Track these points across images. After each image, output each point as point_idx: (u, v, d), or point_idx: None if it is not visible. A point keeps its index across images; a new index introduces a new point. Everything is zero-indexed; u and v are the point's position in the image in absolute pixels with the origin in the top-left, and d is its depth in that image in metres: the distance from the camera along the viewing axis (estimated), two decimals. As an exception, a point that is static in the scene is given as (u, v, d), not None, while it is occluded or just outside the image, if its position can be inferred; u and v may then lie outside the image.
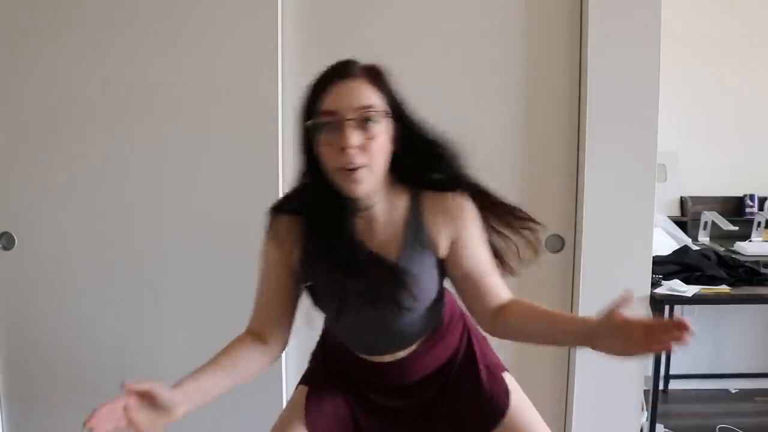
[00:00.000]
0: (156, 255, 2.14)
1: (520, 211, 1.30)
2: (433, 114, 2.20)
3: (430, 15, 2.06)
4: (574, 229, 2.10)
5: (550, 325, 1.18)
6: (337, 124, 1.11)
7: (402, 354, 1.31)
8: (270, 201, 2.06)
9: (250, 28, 2.03)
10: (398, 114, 1.18)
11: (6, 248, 2.15)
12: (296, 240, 1.22)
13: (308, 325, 1.34)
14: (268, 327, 1.28)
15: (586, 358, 2.10)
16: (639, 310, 2.08)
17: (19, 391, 2.23)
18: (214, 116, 2.07)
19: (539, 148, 2.09)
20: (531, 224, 1.28)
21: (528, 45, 2.05)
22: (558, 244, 2.11)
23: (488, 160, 2.13)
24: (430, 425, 1.35)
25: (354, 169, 1.10)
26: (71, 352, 2.19)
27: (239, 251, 2.12)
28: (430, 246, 1.21)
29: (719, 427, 2.93)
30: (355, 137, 1.10)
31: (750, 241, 3.08)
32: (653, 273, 2.15)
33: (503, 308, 1.23)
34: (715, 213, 3.17)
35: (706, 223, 3.18)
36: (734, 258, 2.67)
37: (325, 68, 1.18)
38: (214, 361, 1.24)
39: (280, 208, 1.27)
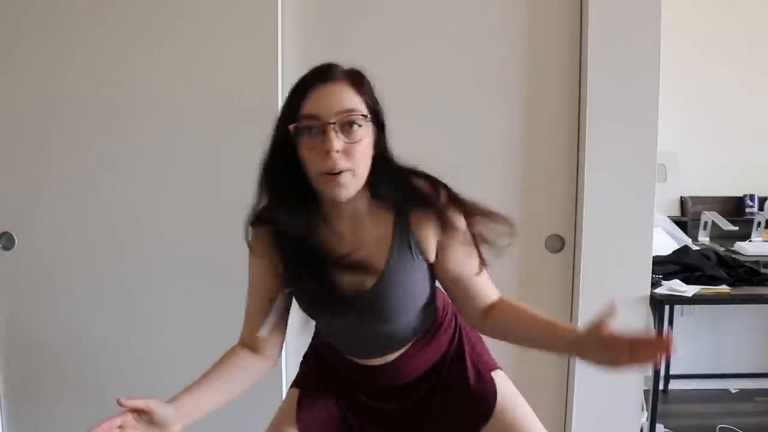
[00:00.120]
0: (155, 255, 2.14)
1: (488, 210, 1.26)
2: (434, 114, 2.21)
3: (430, 15, 2.06)
4: (574, 229, 2.10)
5: (538, 330, 1.18)
6: (320, 128, 1.10)
7: (393, 357, 1.31)
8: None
9: (250, 28, 2.03)
10: (379, 119, 1.18)
11: (6, 248, 2.15)
12: (275, 249, 1.23)
13: (308, 324, 1.34)
14: (259, 337, 1.28)
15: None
16: (638, 311, 2.08)
17: (19, 391, 2.23)
18: (214, 116, 2.07)
19: (539, 148, 2.09)
20: (500, 219, 1.25)
21: (528, 45, 2.05)
22: (558, 244, 2.11)
23: (489, 160, 2.14)
24: (419, 426, 1.35)
25: (337, 173, 1.10)
26: (71, 352, 2.19)
27: (239, 252, 2.12)
28: (419, 251, 1.21)
29: (719, 427, 2.93)
30: (338, 141, 1.09)
31: (750, 241, 3.08)
32: (653, 273, 2.15)
33: (492, 308, 1.24)
34: (715, 213, 3.17)
35: (706, 223, 3.18)
36: (734, 258, 2.67)
37: (305, 72, 1.18)
38: (209, 374, 1.23)
39: (256, 221, 1.27)
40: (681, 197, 3.40)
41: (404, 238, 1.20)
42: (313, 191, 1.17)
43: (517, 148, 2.09)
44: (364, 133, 1.13)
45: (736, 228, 3.09)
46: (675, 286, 2.30)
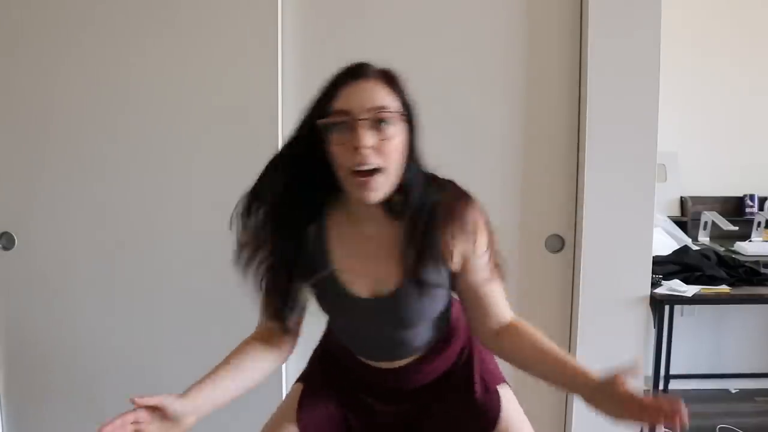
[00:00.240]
0: (155, 255, 2.14)
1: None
2: (434, 114, 2.20)
3: (430, 15, 2.06)
4: (574, 229, 2.10)
5: (549, 364, 1.17)
6: (350, 124, 1.08)
7: (404, 362, 1.30)
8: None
9: (250, 28, 2.03)
10: (411, 119, 1.15)
11: (6, 248, 2.15)
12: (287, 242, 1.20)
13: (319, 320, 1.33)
14: (274, 329, 1.27)
15: (586, 359, 2.09)
16: (638, 311, 2.08)
17: (19, 391, 2.23)
18: (214, 116, 2.07)
19: (539, 148, 2.09)
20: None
21: (528, 45, 2.05)
22: (558, 244, 2.11)
23: (489, 160, 2.14)
24: (421, 431, 1.34)
25: (369, 174, 1.08)
26: (71, 352, 2.19)
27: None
28: (444, 259, 1.18)
29: (719, 427, 2.93)
30: (369, 137, 1.07)
31: (750, 241, 3.08)
32: (653, 273, 2.15)
33: (506, 328, 1.23)
34: (715, 213, 3.17)
35: (706, 223, 3.18)
36: (734, 258, 2.67)
37: (337, 70, 1.16)
38: (223, 365, 1.21)
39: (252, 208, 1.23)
40: (681, 197, 3.40)
41: (424, 245, 1.17)
42: (333, 189, 1.15)
43: (517, 148, 2.09)
44: (396, 132, 1.11)
45: (736, 228, 3.09)
46: (675, 286, 2.30)
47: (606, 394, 1.06)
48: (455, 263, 1.19)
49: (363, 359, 1.32)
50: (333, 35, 2.07)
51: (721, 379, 3.41)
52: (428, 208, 1.16)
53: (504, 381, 1.37)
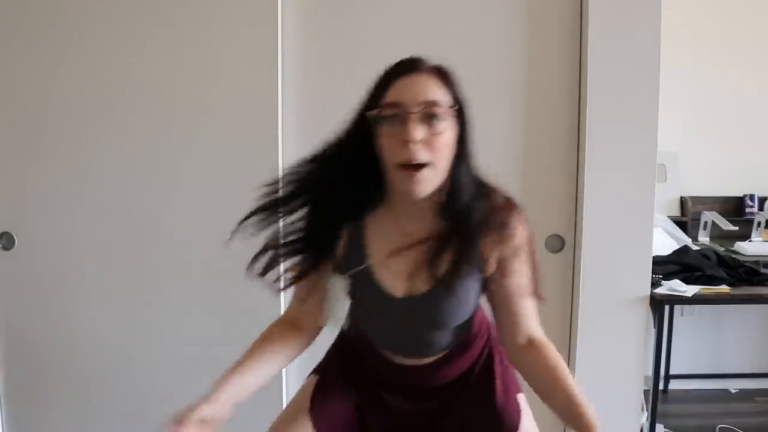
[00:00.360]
0: (156, 255, 2.14)
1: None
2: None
3: (430, 15, 2.06)
4: (574, 229, 2.10)
5: (555, 400, 1.20)
6: (401, 117, 1.07)
7: (428, 360, 1.29)
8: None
9: (250, 28, 2.03)
10: (463, 116, 1.14)
11: (6, 248, 2.15)
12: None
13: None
14: (303, 314, 1.27)
15: (586, 358, 2.10)
16: (638, 311, 2.08)
17: (19, 391, 2.23)
18: (214, 116, 2.07)
19: (539, 148, 2.09)
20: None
21: (528, 45, 2.05)
22: (558, 244, 2.11)
23: (488, 160, 2.13)
24: (437, 429, 1.33)
25: (417, 168, 1.06)
26: (71, 352, 2.19)
27: (240, 251, 2.12)
28: (481, 264, 1.17)
29: (719, 427, 2.93)
30: (419, 131, 1.06)
31: (750, 241, 3.08)
32: (653, 273, 2.15)
33: (531, 344, 1.23)
34: (715, 213, 3.17)
35: (706, 223, 3.18)
36: (734, 258, 2.67)
37: (390, 64, 1.14)
38: (255, 352, 1.23)
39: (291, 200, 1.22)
40: (681, 197, 3.40)
41: (464, 248, 1.16)
42: (378, 185, 1.14)
43: (517, 148, 2.09)
44: (447, 127, 1.10)
45: (736, 228, 3.09)
46: (675, 286, 2.30)
47: None
48: (490, 269, 1.18)
49: (386, 355, 1.30)
50: (333, 35, 2.07)
51: (721, 379, 3.41)
52: (473, 210, 1.15)
53: (521, 390, 1.36)
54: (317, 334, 1.30)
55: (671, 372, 3.34)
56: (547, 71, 2.06)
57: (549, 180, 2.10)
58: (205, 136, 2.08)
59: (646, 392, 2.25)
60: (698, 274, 2.42)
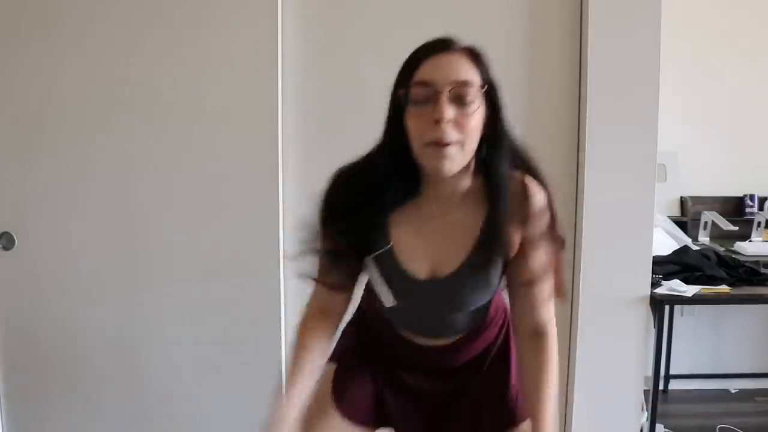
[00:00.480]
0: (156, 254, 2.14)
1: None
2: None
3: (430, 15, 2.05)
4: (574, 229, 2.10)
5: (527, 398, 1.24)
6: (432, 96, 1.06)
7: (446, 341, 1.30)
8: (270, 201, 2.08)
9: (250, 28, 2.03)
10: (493, 98, 1.13)
11: (6, 248, 2.15)
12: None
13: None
14: (335, 303, 1.27)
15: (586, 358, 2.09)
16: (638, 311, 2.08)
17: (19, 391, 2.23)
18: (214, 116, 2.07)
19: (539, 148, 2.07)
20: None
21: (528, 45, 2.05)
22: (558, 244, 2.11)
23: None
24: (456, 408, 1.34)
25: (445, 145, 1.05)
26: (71, 352, 2.19)
27: (239, 251, 2.12)
28: (505, 247, 1.17)
29: (719, 427, 2.93)
30: (450, 110, 1.05)
31: (750, 241, 3.08)
32: (653, 273, 2.15)
33: (527, 337, 1.25)
34: (715, 213, 3.17)
35: (706, 223, 3.18)
36: (734, 258, 2.67)
37: (420, 44, 1.13)
38: (308, 355, 1.24)
39: (340, 184, 1.20)
40: (681, 197, 3.40)
41: (494, 232, 1.16)
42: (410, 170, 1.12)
43: (517, 148, 2.08)
44: (477, 108, 1.08)
45: (736, 228, 3.09)
46: (675, 286, 2.30)
47: None
48: (514, 248, 1.18)
49: (405, 335, 1.31)
50: (333, 35, 2.07)
51: (721, 379, 3.41)
52: (503, 195, 1.14)
53: None
54: (345, 313, 1.31)
55: (671, 372, 3.34)
56: (547, 71, 2.06)
57: (549, 180, 2.09)
58: (206, 136, 2.08)
59: (646, 392, 2.25)
60: (698, 274, 2.42)
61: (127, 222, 2.13)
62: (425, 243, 1.19)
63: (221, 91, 2.06)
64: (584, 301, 2.07)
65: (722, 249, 2.98)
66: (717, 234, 3.17)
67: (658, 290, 2.29)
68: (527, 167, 1.21)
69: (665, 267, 2.46)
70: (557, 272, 1.23)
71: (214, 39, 2.05)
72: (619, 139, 2.01)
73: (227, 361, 2.15)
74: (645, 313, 2.10)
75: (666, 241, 2.78)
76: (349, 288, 1.26)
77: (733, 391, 3.37)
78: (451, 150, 1.06)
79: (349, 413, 1.32)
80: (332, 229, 1.19)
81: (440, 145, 1.05)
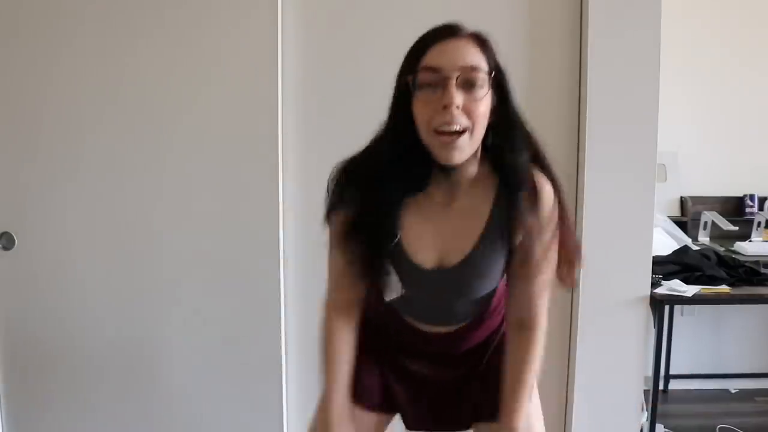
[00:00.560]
0: (156, 254, 2.14)
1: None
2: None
3: (430, 15, 2.05)
4: (574, 229, 2.10)
5: (505, 381, 1.26)
6: (440, 81, 1.05)
7: (451, 328, 1.30)
8: (270, 200, 2.08)
9: (250, 28, 2.03)
10: (501, 84, 1.12)
11: (6, 248, 2.15)
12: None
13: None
14: (354, 298, 1.27)
15: (586, 358, 2.10)
16: (638, 311, 2.08)
17: (19, 391, 2.23)
18: (214, 116, 2.07)
19: (539, 148, 2.09)
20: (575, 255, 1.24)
21: (528, 45, 2.05)
22: (558, 244, 2.11)
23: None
24: (458, 397, 1.36)
25: (453, 134, 1.04)
26: (71, 352, 2.19)
27: (240, 250, 2.12)
28: (511, 235, 1.16)
29: (719, 427, 2.93)
30: (458, 96, 1.04)
31: (750, 241, 3.08)
32: (653, 273, 2.15)
33: (514, 328, 1.26)
34: (715, 213, 3.17)
35: (706, 223, 3.18)
36: (734, 258, 2.67)
37: (428, 29, 1.12)
38: (342, 357, 1.26)
39: (348, 175, 1.19)
40: (681, 197, 3.40)
41: (501, 220, 1.15)
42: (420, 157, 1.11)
43: (517, 148, 2.08)
44: (485, 94, 1.08)
45: (736, 228, 3.09)
46: (675, 286, 2.30)
47: None
48: (516, 242, 1.18)
49: (410, 322, 1.31)
50: (333, 35, 2.07)
51: (721, 379, 3.41)
52: (513, 183, 1.14)
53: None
54: (363, 302, 1.31)
55: (671, 372, 3.34)
56: (547, 71, 2.06)
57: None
58: (205, 136, 2.08)
59: (646, 392, 2.25)
60: (698, 274, 2.42)
61: (126, 222, 2.13)
62: (433, 232, 1.18)
63: (221, 91, 2.06)
64: (584, 301, 2.07)
65: (722, 249, 2.98)
66: (717, 234, 3.17)
67: (658, 290, 2.29)
68: (536, 157, 1.20)
69: (665, 267, 2.46)
70: (570, 263, 1.22)
71: (213, 38, 2.05)
72: (619, 139, 2.01)
73: (227, 361, 2.15)
74: (645, 313, 2.10)
75: (666, 241, 2.78)
76: (367, 284, 1.25)
77: (733, 391, 3.37)
78: (461, 140, 1.05)
79: (360, 401, 1.34)
80: (344, 226, 1.18)
81: (448, 133, 1.04)
